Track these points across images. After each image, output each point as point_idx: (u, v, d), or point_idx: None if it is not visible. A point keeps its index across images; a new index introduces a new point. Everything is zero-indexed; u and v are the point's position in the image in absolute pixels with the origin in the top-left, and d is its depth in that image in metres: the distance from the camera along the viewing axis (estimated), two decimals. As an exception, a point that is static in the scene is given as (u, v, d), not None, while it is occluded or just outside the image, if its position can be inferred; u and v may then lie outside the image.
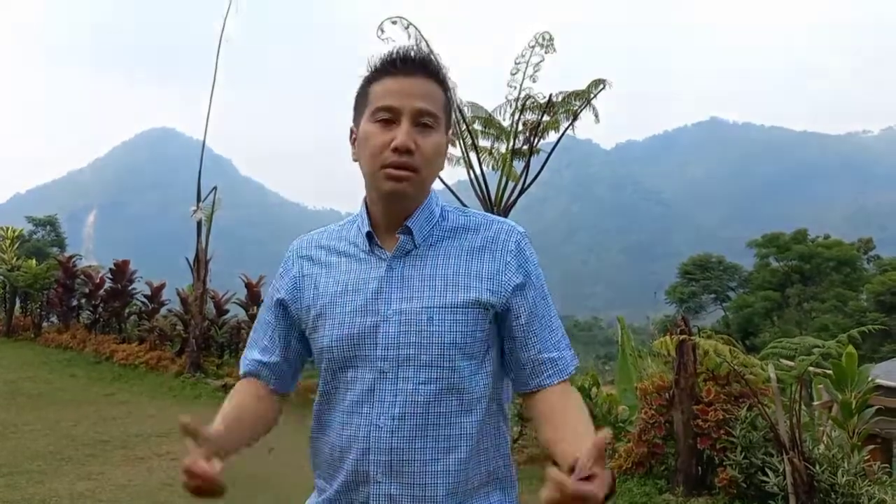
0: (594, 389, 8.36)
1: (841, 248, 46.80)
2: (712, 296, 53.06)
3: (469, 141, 8.60)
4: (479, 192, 8.51)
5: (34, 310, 16.89)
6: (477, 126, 8.87)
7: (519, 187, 8.42)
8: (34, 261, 17.45)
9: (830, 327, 32.69)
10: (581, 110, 8.47)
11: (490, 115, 8.82)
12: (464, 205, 8.39)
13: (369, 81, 1.47)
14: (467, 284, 1.43)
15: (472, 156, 8.58)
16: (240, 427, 1.50)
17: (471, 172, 8.56)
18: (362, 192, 1.52)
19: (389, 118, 1.41)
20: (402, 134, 1.39)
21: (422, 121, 1.41)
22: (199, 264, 12.40)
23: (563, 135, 8.78)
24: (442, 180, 8.82)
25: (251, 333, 1.66)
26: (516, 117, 8.52)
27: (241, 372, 1.64)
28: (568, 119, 8.62)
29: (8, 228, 18.34)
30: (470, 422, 1.43)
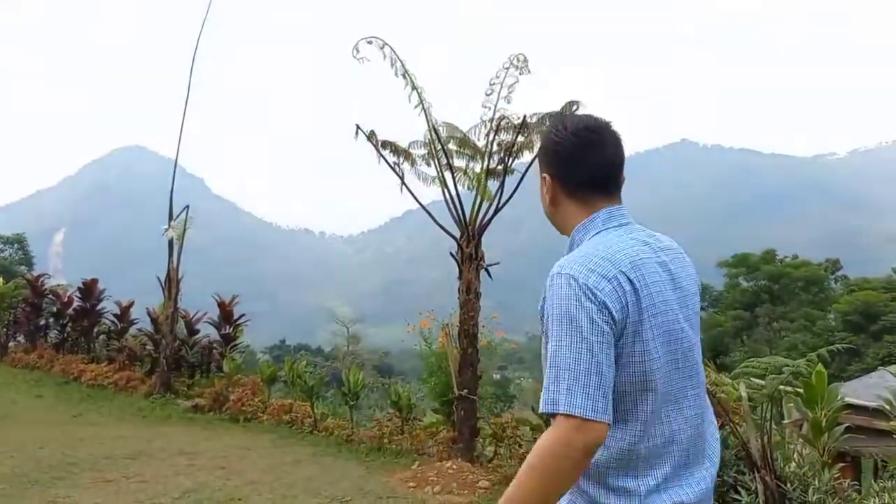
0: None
1: (809, 268, 47.51)
2: (684, 315, 53.24)
3: (444, 161, 8.64)
4: (453, 211, 8.54)
5: (0, 329, 16.57)
6: (452, 146, 8.91)
7: (494, 207, 8.45)
8: (1, 279, 17.15)
9: (799, 346, 33.07)
10: (555, 131, 8.52)
11: (465, 136, 8.87)
12: (438, 225, 8.44)
13: None
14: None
15: (447, 175, 8.61)
16: None
17: (445, 192, 8.58)
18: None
19: None
20: None
21: None
22: (171, 283, 12.28)
23: (537, 155, 8.83)
24: (416, 199, 8.86)
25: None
26: (491, 137, 8.56)
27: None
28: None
29: (-25, 247, 18.02)
30: None
